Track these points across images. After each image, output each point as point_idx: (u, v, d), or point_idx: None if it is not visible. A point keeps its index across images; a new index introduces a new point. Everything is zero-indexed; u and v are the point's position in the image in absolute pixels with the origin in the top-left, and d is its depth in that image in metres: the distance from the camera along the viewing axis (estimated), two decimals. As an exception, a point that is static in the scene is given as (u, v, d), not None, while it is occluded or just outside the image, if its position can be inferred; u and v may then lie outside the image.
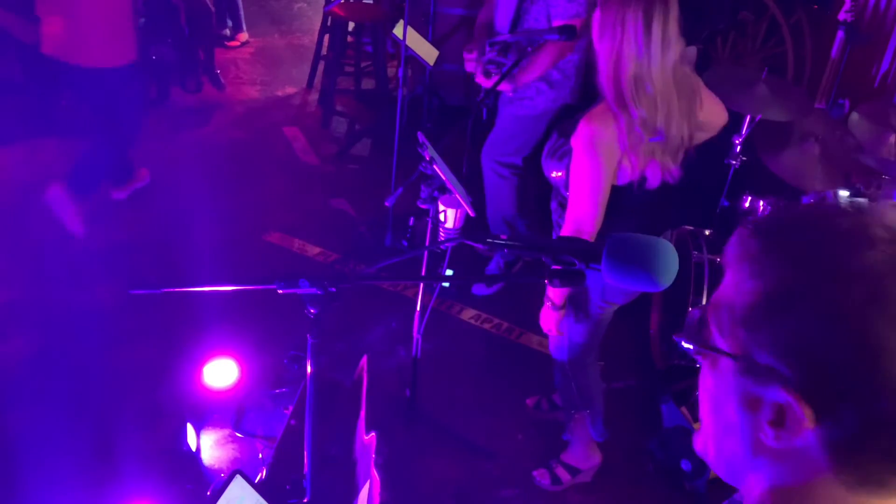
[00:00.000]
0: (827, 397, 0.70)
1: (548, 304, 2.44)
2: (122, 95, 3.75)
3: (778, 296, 0.73)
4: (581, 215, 2.24)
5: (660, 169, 2.22)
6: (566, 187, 2.35)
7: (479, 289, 3.79)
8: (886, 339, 0.68)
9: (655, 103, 2.15)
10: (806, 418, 0.71)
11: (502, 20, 3.33)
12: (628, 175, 2.23)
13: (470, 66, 3.42)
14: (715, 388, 0.81)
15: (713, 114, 2.39)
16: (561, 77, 3.36)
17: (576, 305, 2.53)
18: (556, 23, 3.13)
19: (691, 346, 0.84)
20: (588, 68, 3.33)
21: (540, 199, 3.59)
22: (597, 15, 2.21)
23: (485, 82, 3.30)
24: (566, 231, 2.27)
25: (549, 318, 2.46)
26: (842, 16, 3.64)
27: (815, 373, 0.71)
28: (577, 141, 2.22)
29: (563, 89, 3.39)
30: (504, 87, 3.26)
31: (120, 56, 3.62)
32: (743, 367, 0.76)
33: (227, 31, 6.25)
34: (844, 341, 0.69)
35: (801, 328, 0.71)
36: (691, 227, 3.27)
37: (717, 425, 0.83)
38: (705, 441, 0.86)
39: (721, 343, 0.79)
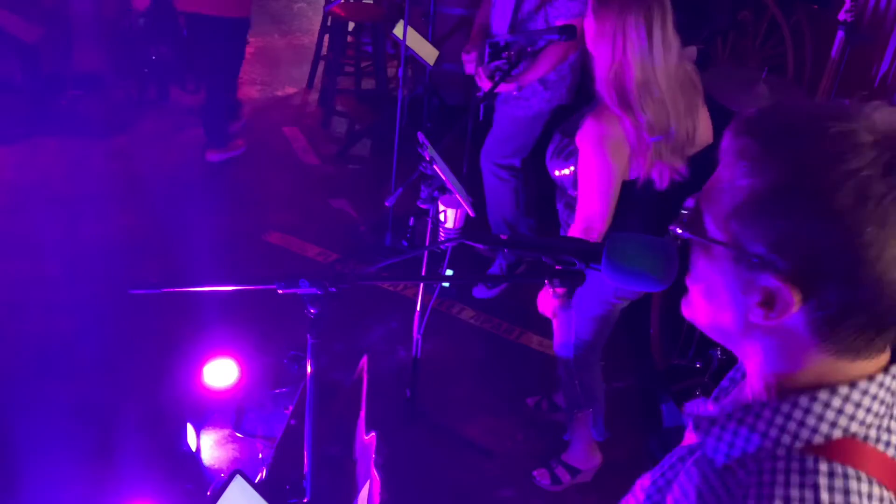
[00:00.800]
0: (814, 284, 0.79)
1: (548, 287, 2.42)
2: (235, 43, 4.38)
3: (772, 194, 0.80)
4: (591, 213, 2.24)
5: (668, 169, 2.22)
6: (573, 186, 2.34)
7: (480, 291, 3.78)
8: (870, 234, 0.75)
9: (664, 105, 2.15)
10: (794, 301, 0.81)
11: (499, 20, 3.33)
12: (636, 172, 2.23)
13: (469, 68, 3.42)
14: (708, 271, 0.89)
15: (701, 130, 2.38)
16: (556, 77, 3.36)
17: (586, 302, 2.53)
18: (557, 22, 3.13)
19: (684, 233, 0.91)
20: (584, 68, 3.34)
21: (542, 199, 3.59)
22: (590, 23, 2.20)
23: (486, 84, 3.30)
24: (576, 229, 2.27)
25: (548, 302, 2.45)
26: (842, 16, 3.64)
27: (805, 263, 0.79)
28: (585, 139, 2.21)
29: (558, 90, 3.38)
30: (506, 87, 3.26)
31: (242, 8, 4.22)
32: (735, 255, 0.84)
33: None
34: (833, 236, 0.77)
35: (792, 224, 0.79)
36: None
37: (710, 303, 0.91)
38: (695, 312, 0.95)
39: (715, 232, 0.87)
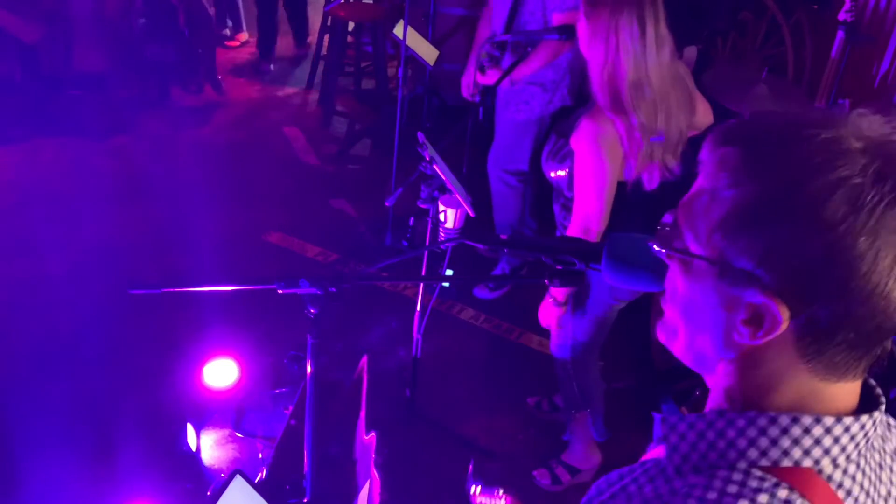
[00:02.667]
0: (803, 299, 0.75)
1: (549, 299, 2.44)
2: None
3: (756, 205, 0.76)
4: (588, 213, 2.24)
5: (658, 169, 2.22)
6: (569, 187, 2.35)
7: (482, 292, 3.78)
8: (863, 245, 0.72)
9: (655, 105, 2.15)
10: (783, 318, 0.76)
11: (498, 19, 3.33)
12: (630, 173, 2.23)
13: (466, 93, 3.44)
14: (688, 289, 0.85)
15: (701, 113, 2.39)
16: (555, 78, 3.35)
17: (583, 303, 2.53)
18: (553, 16, 3.13)
19: (663, 251, 0.86)
20: (582, 70, 3.34)
21: (542, 201, 3.59)
22: (583, 24, 2.20)
23: (481, 79, 3.30)
24: (573, 230, 2.27)
25: (550, 314, 2.46)
26: (842, 16, 3.64)
27: (794, 277, 0.75)
28: (580, 140, 2.22)
29: (558, 91, 3.38)
30: (494, 77, 3.26)
31: None
32: (719, 271, 0.80)
33: (227, 31, 6.25)
34: (823, 248, 0.73)
35: (780, 236, 0.75)
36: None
37: (688, 323, 0.87)
38: (671, 334, 0.90)
39: (696, 247, 0.82)
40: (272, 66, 5.93)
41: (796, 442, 0.79)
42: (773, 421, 0.80)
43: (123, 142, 4.81)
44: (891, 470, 0.86)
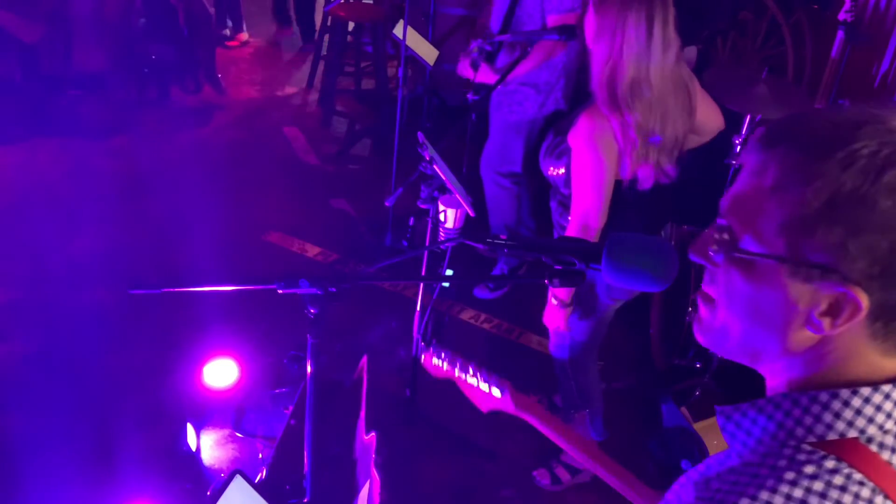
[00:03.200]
0: (882, 284, 0.78)
1: (553, 301, 2.43)
2: None
3: (829, 201, 0.78)
4: (586, 211, 2.24)
5: (653, 170, 2.22)
6: (566, 185, 2.35)
7: (482, 292, 3.78)
8: None
9: (651, 106, 2.15)
10: (863, 305, 0.79)
11: (495, 18, 3.32)
12: (625, 171, 2.23)
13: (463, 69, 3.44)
14: (752, 290, 0.86)
15: (708, 117, 2.39)
16: (549, 79, 3.34)
17: (581, 303, 2.53)
18: (549, 17, 3.13)
19: (727, 258, 0.87)
20: (581, 70, 3.34)
21: (540, 201, 3.59)
22: (591, 17, 2.20)
23: (472, 75, 3.30)
24: (572, 228, 2.27)
25: (556, 316, 2.45)
26: (842, 16, 3.64)
27: (871, 265, 0.78)
28: (577, 137, 2.22)
29: (550, 94, 3.37)
30: (489, 77, 3.26)
31: None
32: (791, 268, 0.82)
33: (227, 31, 6.25)
34: (893, 236, 0.77)
35: (854, 229, 0.77)
36: (691, 227, 3.26)
37: (751, 323, 0.88)
38: (720, 336, 0.92)
39: (759, 248, 0.84)
40: (246, 34, 6.19)
41: (837, 415, 0.83)
42: (815, 399, 0.84)
43: (123, 142, 4.81)
44: None
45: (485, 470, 2.93)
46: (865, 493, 0.79)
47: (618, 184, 2.25)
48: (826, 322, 0.82)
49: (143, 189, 4.26)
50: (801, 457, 0.82)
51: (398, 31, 3.60)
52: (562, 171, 2.36)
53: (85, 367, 3.06)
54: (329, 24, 5.25)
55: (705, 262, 0.91)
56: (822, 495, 0.78)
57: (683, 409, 2.85)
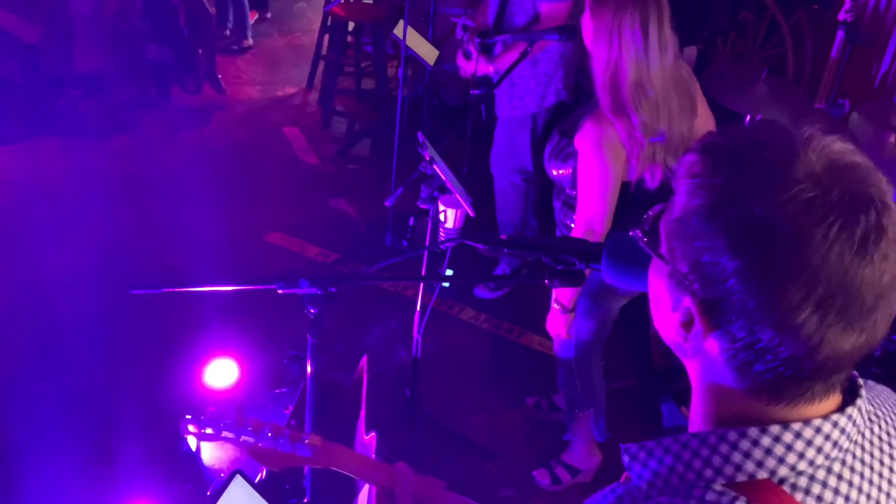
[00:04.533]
0: (722, 313, 0.77)
1: (556, 307, 2.43)
2: None
3: (699, 215, 0.77)
4: (591, 215, 2.24)
5: (661, 170, 2.22)
6: (572, 186, 2.35)
7: (483, 292, 3.78)
8: (789, 278, 0.72)
9: (657, 106, 2.15)
10: (703, 328, 0.79)
11: (490, 11, 3.33)
12: (632, 173, 2.23)
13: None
14: (653, 281, 0.89)
15: (705, 119, 2.39)
16: (547, 71, 3.33)
17: (584, 302, 2.53)
18: (543, 6, 3.13)
19: (641, 240, 0.89)
20: (580, 65, 3.34)
21: (543, 200, 3.59)
22: (588, 20, 2.20)
23: (466, 65, 3.30)
24: (577, 231, 2.27)
25: (558, 322, 2.45)
26: (842, 16, 3.64)
27: (716, 292, 0.77)
28: (583, 141, 2.22)
29: (550, 85, 3.36)
30: (486, 68, 3.26)
31: None
32: (670, 271, 0.83)
33: (227, 32, 6.23)
34: (747, 272, 0.74)
35: (710, 249, 0.76)
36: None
37: (656, 313, 0.90)
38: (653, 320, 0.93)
39: (661, 247, 0.85)
40: (250, 40, 6.11)
41: (747, 455, 0.79)
42: (723, 438, 0.81)
43: (123, 142, 4.81)
44: (890, 455, 0.85)
45: (485, 470, 2.93)
46: None
47: (625, 185, 2.25)
48: (684, 334, 0.84)
49: (143, 189, 4.26)
50: (711, 497, 0.79)
51: (398, 31, 3.60)
52: (564, 172, 2.37)
53: (85, 367, 3.06)
54: (329, 24, 5.24)
55: None
56: None
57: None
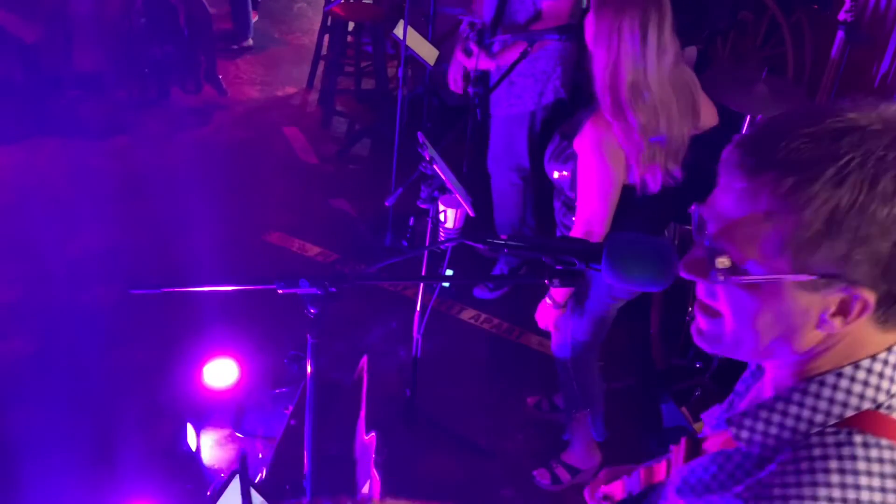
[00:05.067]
0: (886, 278, 0.81)
1: (548, 301, 2.44)
2: None
3: (830, 220, 0.80)
4: (591, 217, 2.24)
5: (661, 173, 2.22)
6: (571, 188, 2.35)
7: (482, 292, 3.78)
8: None
9: (655, 109, 2.15)
10: (871, 303, 0.83)
11: (488, 9, 3.32)
12: (633, 176, 2.23)
13: (454, 86, 3.43)
14: (762, 304, 0.88)
15: (706, 115, 2.39)
16: (545, 69, 3.32)
17: (582, 303, 2.53)
18: (546, 2, 3.13)
19: (735, 281, 0.88)
20: (578, 64, 3.33)
21: (542, 200, 3.59)
22: (591, 21, 2.20)
23: (467, 61, 3.30)
24: (576, 233, 2.28)
25: (548, 315, 2.46)
26: (842, 16, 3.64)
27: (876, 266, 0.81)
28: (583, 144, 2.22)
29: (548, 82, 3.35)
30: (488, 63, 3.26)
31: None
32: (799, 283, 0.84)
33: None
34: (890, 234, 0.79)
35: (859, 238, 0.79)
36: (691, 228, 3.26)
37: (762, 333, 0.90)
38: (732, 346, 0.93)
39: (762, 269, 0.86)
40: (251, 41, 6.07)
41: (848, 392, 0.87)
42: (822, 383, 0.88)
43: (123, 142, 4.81)
44: None
45: (485, 470, 2.93)
46: None
47: (626, 188, 2.25)
48: (837, 322, 0.85)
49: (143, 189, 4.26)
50: (830, 440, 0.85)
51: (398, 31, 3.60)
52: (566, 174, 2.36)
53: (85, 367, 3.06)
54: (329, 24, 5.24)
55: (703, 281, 0.92)
56: (869, 473, 0.82)
57: (683, 409, 2.85)
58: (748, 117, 3.26)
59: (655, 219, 2.46)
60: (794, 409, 0.89)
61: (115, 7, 5.20)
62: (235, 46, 6.13)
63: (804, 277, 0.83)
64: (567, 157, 2.34)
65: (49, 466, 2.68)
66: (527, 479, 2.88)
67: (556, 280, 1.35)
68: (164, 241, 3.80)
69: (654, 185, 2.24)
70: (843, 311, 0.84)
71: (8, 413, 2.86)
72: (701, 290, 0.96)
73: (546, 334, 2.77)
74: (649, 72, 2.13)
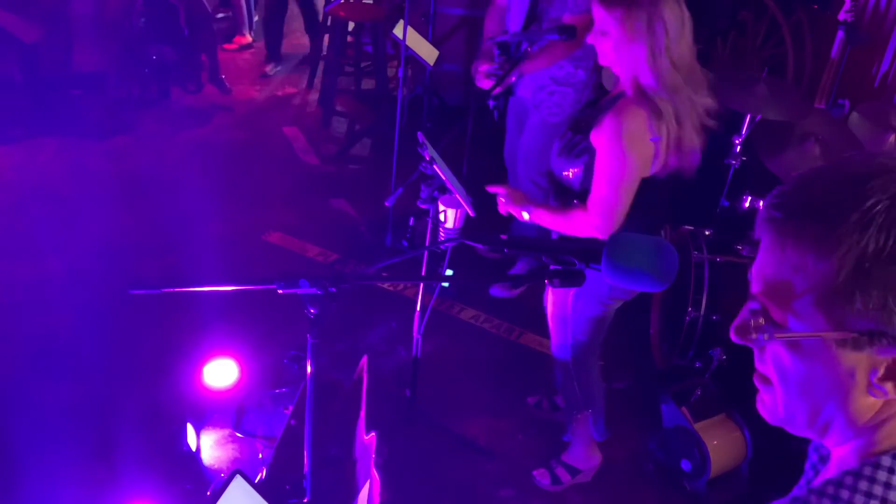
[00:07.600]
0: None
1: (525, 217, 2.43)
2: None
3: (858, 267, 0.74)
4: (607, 209, 2.23)
5: (697, 153, 2.24)
6: (581, 185, 2.34)
7: (498, 291, 3.77)
8: None
9: (684, 85, 2.18)
10: None
11: (515, 21, 3.30)
12: (656, 166, 2.22)
13: (481, 83, 3.38)
14: (804, 367, 0.82)
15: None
16: (584, 79, 3.32)
17: (581, 303, 2.53)
18: (565, 17, 3.11)
19: (777, 341, 0.83)
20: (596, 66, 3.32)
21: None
22: (614, 27, 2.18)
23: (485, 84, 3.28)
24: (589, 225, 2.26)
25: (514, 212, 2.46)
26: (842, 16, 3.64)
27: None
28: (603, 135, 2.20)
29: (585, 90, 3.35)
30: (531, 67, 3.25)
31: None
32: (839, 340, 0.78)
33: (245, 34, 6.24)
34: None
35: (890, 285, 0.73)
36: (691, 227, 3.26)
37: (811, 400, 0.83)
38: (788, 417, 0.87)
39: (801, 326, 0.80)
40: (279, 68, 5.95)
41: None
42: (878, 465, 0.79)
43: (123, 142, 4.81)
44: None
45: (485, 470, 2.93)
46: None
47: (652, 179, 2.25)
48: (889, 387, 0.78)
49: (143, 189, 4.26)
50: None
51: (398, 31, 3.60)
52: (577, 170, 2.35)
53: (85, 367, 3.06)
54: (329, 24, 5.25)
55: (750, 345, 0.87)
56: None
57: (683, 409, 2.85)
58: (748, 117, 3.26)
59: (655, 218, 2.46)
60: (845, 495, 0.79)
61: (115, 7, 5.20)
62: (235, 46, 6.14)
63: (842, 334, 0.77)
64: (581, 151, 2.32)
65: (49, 466, 2.68)
66: (527, 479, 2.88)
67: (557, 280, 1.35)
68: (164, 240, 3.80)
69: (690, 167, 2.25)
70: (894, 373, 0.77)
71: (8, 413, 2.86)
72: (756, 356, 0.91)
73: (546, 334, 2.77)
74: (684, 46, 2.17)
